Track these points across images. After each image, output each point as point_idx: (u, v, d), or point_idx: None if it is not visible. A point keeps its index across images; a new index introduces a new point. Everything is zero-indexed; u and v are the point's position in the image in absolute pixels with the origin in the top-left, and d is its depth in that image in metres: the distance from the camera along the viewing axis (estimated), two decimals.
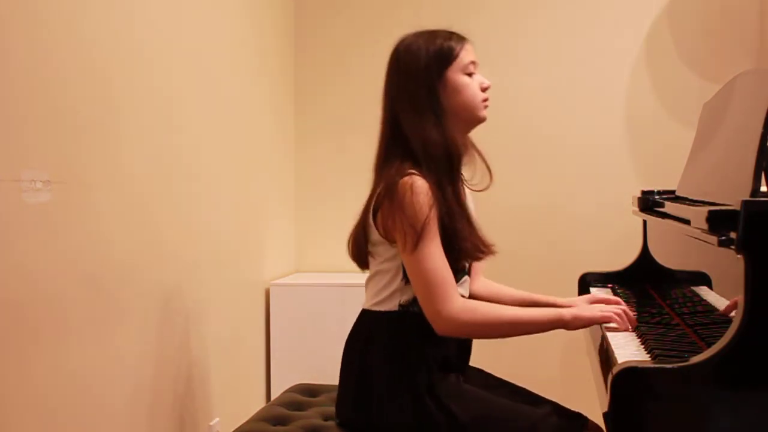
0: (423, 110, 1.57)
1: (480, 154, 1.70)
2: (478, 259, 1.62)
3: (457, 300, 1.52)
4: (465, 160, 1.65)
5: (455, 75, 1.61)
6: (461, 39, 1.65)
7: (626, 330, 1.56)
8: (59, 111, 1.54)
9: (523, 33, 3.04)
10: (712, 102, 1.97)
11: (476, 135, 3.17)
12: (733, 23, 2.89)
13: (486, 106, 1.66)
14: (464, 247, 1.55)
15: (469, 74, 1.63)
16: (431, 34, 1.64)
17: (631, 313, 1.60)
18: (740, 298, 1.16)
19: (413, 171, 1.52)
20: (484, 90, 1.65)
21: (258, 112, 2.79)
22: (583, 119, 3.00)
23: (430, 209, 1.49)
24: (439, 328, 1.52)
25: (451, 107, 1.60)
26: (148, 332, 1.89)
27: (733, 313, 1.34)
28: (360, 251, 1.63)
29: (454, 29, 1.66)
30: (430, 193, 1.50)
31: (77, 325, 1.59)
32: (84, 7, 1.63)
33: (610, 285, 2.07)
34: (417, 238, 1.48)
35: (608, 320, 1.58)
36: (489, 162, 1.67)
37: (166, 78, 2.01)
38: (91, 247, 1.64)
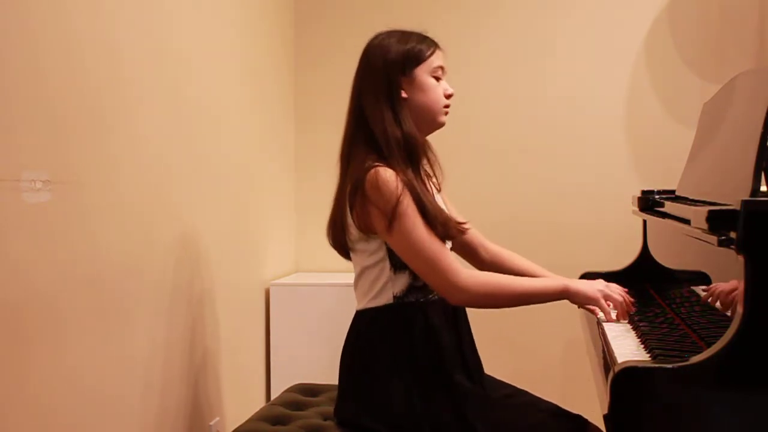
0: (384, 104, 1.62)
1: (434, 159, 1.76)
2: (452, 237, 1.66)
3: (463, 270, 1.57)
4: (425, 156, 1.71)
5: (423, 75, 1.66)
6: (433, 43, 1.70)
7: (621, 318, 1.65)
8: (59, 111, 1.54)
9: (523, 33, 3.04)
10: (712, 102, 1.97)
11: (478, 134, 3.16)
12: (733, 23, 2.89)
13: (446, 113, 1.71)
14: (436, 227, 1.58)
15: (437, 78, 1.68)
16: (405, 34, 1.69)
17: (628, 301, 1.68)
18: (740, 298, 1.16)
19: (378, 163, 1.57)
20: (447, 97, 1.70)
21: (258, 112, 2.79)
22: (583, 119, 3.00)
23: (402, 190, 1.53)
24: (452, 298, 1.58)
25: (413, 106, 1.66)
26: (148, 332, 1.89)
27: (717, 303, 1.35)
28: (339, 241, 1.68)
29: (429, 33, 1.71)
30: (397, 178, 1.54)
31: (76, 325, 1.59)
32: (84, 8, 1.63)
33: None
34: (394, 216, 1.53)
35: (604, 308, 1.65)
36: (442, 168, 1.76)
37: (165, 78, 2.01)
38: (90, 247, 1.64)
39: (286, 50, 3.13)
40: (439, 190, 1.78)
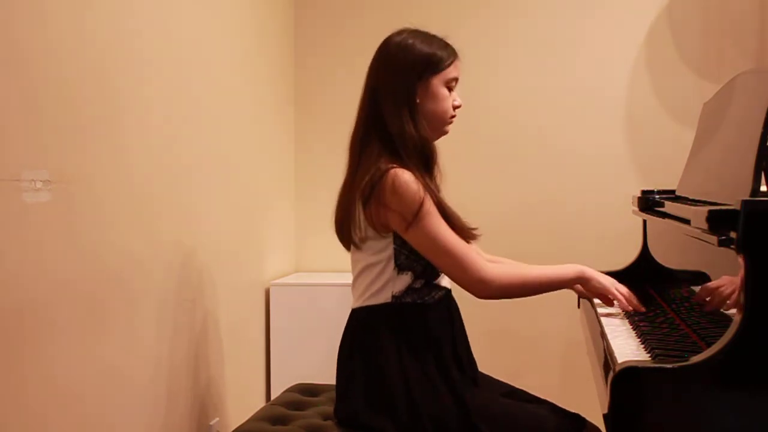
0: (402, 105, 1.62)
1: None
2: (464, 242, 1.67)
3: (487, 264, 1.60)
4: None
5: (437, 84, 1.66)
6: (454, 53, 1.70)
7: (627, 309, 1.72)
8: (59, 111, 1.54)
9: (524, 33, 3.04)
10: (712, 102, 1.97)
11: (477, 134, 3.15)
12: (733, 23, 2.89)
13: (451, 123, 1.73)
14: (454, 230, 1.59)
15: (449, 89, 1.69)
16: (428, 37, 1.69)
17: (635, 301, 1.73)
18: (740, 297, 1.16)
19: (394, 164, 1.57)
20: (455, 108, 1.71)
21: (258, 112, 2.79)
22: (583, 119, 3.00)
23: (423, 192, 1.55)
24: (480, 293, 1.60)
25: (424, 112, 1.65)
26: (147, 333, 1.89)
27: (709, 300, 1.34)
28: (346, 232, 1.67)
29: (450, 39, 1.71)
30: (416, 180, 1.56)
31: (75, 325, 1.59)
32: (87, 6, 1.63)
33: None
34: (417, 218, 1.53)
35: (617, 295, 1.71)
36: (443, 171, 1.76)
37: (166, 78, 2.01)
38: (90, 247, 1.64)
39: (286, 49, 3.13)
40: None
